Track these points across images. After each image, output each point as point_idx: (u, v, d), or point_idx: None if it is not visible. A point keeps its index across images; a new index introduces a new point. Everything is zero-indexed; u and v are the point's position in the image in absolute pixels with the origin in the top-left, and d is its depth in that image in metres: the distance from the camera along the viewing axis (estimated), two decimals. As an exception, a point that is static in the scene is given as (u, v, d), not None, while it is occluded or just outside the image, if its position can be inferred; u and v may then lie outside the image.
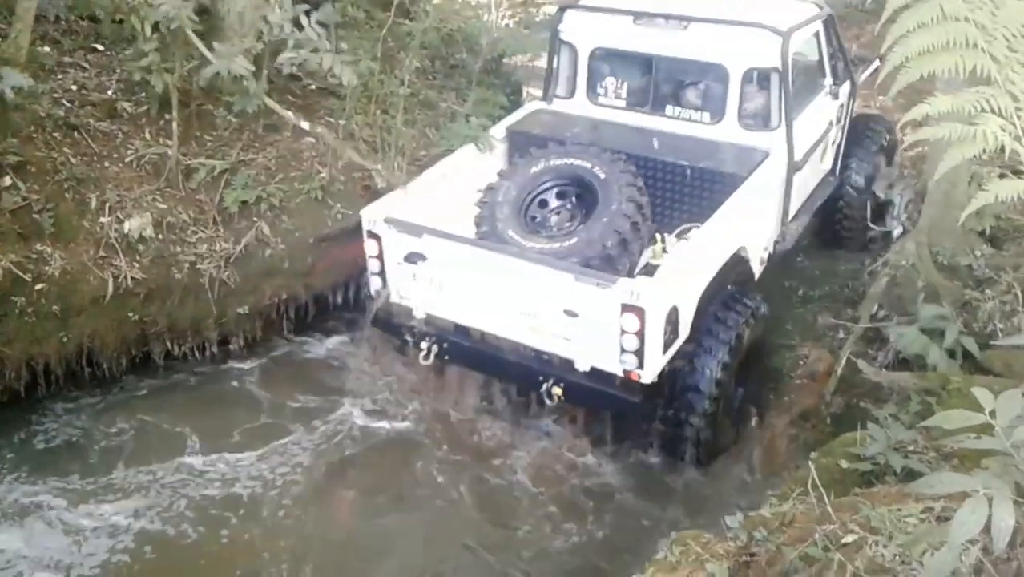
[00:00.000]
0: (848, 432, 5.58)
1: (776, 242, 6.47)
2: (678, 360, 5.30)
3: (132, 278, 5.62)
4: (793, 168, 6.19)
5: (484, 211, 5.83)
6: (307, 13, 5.40)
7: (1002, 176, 6.47)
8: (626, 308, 4.80)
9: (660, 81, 6.48)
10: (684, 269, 5.18)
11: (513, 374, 5.70)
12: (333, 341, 6.82)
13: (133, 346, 5.91)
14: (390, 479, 5.63)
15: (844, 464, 4.28)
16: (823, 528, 2.42)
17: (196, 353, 6.19)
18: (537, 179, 5.89)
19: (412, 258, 5.47)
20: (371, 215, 5.57)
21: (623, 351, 4.94)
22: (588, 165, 5.79)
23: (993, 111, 2.34)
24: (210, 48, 5.40)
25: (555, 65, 6.87)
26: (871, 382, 5.86)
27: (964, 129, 2.31)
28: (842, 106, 7.20)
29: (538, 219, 5.89)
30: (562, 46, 6.78)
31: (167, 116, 6.23)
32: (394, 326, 5.80)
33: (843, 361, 6.06)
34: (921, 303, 5.89)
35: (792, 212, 6.57)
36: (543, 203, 5.93)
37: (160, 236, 5.83)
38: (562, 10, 6.75)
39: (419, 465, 5.75)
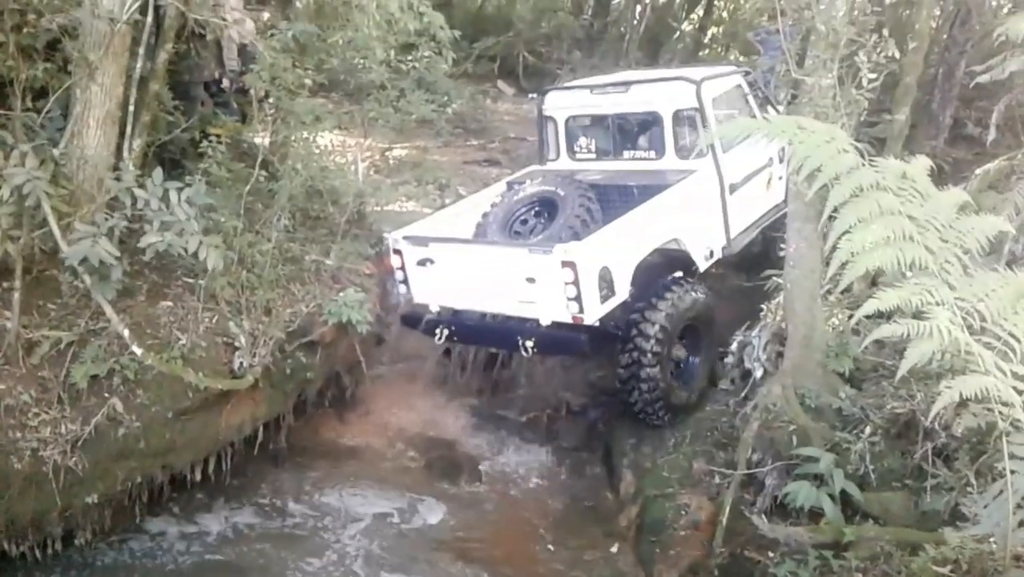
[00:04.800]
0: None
1: (723, 247, 8.18)
2: (632, 314, 7.02)
3: (-37, 473, 4.93)
4: (726, 188, 7.96)
5: (478, 230, 7.84)
6: (178, 190, 5.10)
7: (850, 317, 6.89)
8: (564, 264, 6.35)
9: (617, 133, 8.63)
10: (611, 240, 6.75)
11: (497, 339, 7.49)
12: (192, 522, 6.23)
13: (-39, 550, 5.12)
14: None
15: (761, 634, 4.24)
16: None
17: (36, 551, 5.43)
18: (518, 204, 7.78)
19: (423, 262, 7.23)
20: (395, 235, 7.42)
21: (568, 300, 6.44)
22: (552, 188, 7.65)
23: (936, 303, 2.43)
24: (64, 217, 4.95)
25: (544, 135, 9.04)
26: (754, 530, 5.89)
27: (920, 326, 2.38)
28: (783, 148, 8.66)
29: (521, 234, 7.68)
30: (546, 120, 8.95)
31: (5, 284, 5.65)
32: (416, 320, 7.53)
33: (727, 511, 6.09)
34: (796, 448, 6.06)
35: (741, 226, 8.36)
36: (524, 222, 7.76)
37: (-4, 421, 5.17)
38: (543, 94, 9.06)
39: None
